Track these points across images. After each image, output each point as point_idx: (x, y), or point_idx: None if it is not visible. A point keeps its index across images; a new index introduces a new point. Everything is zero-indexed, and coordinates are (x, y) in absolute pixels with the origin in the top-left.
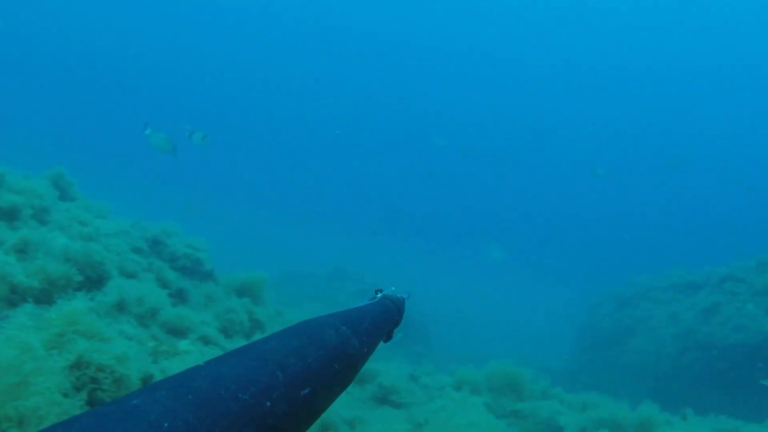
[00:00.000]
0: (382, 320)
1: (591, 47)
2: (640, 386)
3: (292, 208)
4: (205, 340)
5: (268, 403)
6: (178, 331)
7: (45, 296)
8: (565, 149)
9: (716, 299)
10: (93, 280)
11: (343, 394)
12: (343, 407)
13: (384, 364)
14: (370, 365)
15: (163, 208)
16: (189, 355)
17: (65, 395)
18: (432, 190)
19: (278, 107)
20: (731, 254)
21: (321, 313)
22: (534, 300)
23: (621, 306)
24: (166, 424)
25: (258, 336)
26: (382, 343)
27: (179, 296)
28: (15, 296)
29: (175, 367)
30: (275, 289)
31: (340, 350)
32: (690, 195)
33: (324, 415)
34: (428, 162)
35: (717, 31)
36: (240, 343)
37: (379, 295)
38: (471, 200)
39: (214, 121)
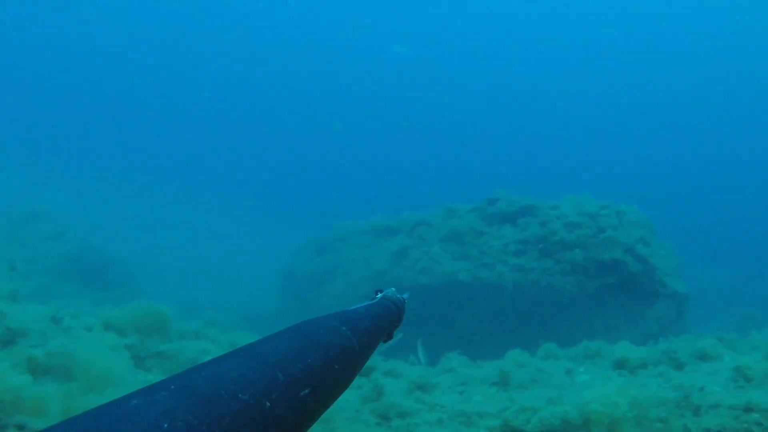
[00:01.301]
0: (382, 321)
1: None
2: None
3: None
4: None
5: (268, 404)
6: None
7: None
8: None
9: (407, 243)
10: None
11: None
12: None
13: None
14: None
15: None
16: None
17: None
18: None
19: None
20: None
21: None
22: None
23: (322, 251)
24: (165, 425)
25: None
26: (382, 343)
27: None
28: None
29: None
30: None
31: (340, 350)
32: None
33: None
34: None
35: None
36: None
37: (379, 295)
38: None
39: None
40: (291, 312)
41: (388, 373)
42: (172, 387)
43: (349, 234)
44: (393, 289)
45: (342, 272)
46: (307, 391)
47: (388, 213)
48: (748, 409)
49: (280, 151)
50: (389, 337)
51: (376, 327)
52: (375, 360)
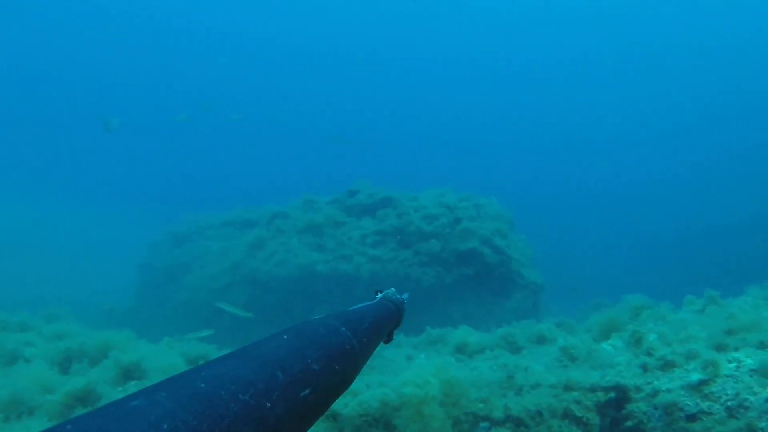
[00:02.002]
0: (382, 321)
1: None
2: (192, 321)
3: None
4: None
5: (268, 404)
6: None
7: None
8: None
9: (264, 235)
10: None
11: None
12: None
13: None
14: None
15: None
16: None
17: None
18: None
19: None
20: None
21: None
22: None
23: (179, 243)
24: (165, 425)
25: None
26: (382, 343)
27: None
28: None
29: None
30: None
31: (340, 351)
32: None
33: None
34: None
35: None
36: None
37: (379, 295)
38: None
39: None
40: (147, 306)
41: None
42: (172, 388)
43: (206, 226)
44: (393, 289)
45: (198, 265)
46: (307, 391)
47: (248, 205)
48: (568, 387)
49: (144, 143)
50: (389, 337)
51: (376, 327)
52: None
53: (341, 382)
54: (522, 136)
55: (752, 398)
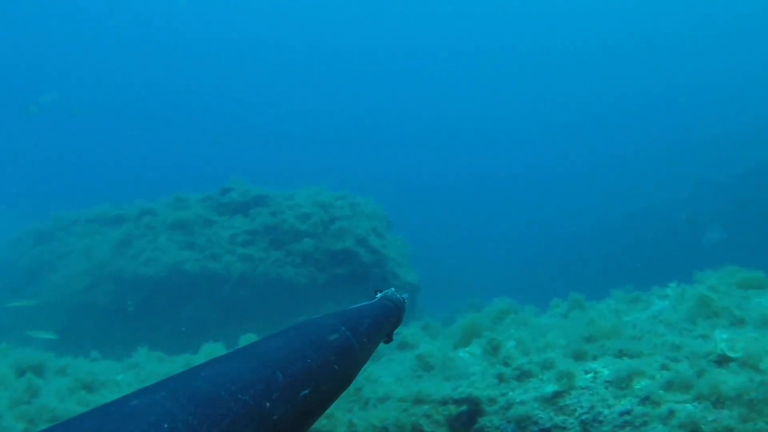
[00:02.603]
0: (382, 321)
1: None
2: (54, 322)
3: None
4: None
5: (268, 404)
6: None
7: None
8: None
9: (132, 232)
10: None
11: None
12: None
13: None
14: None
15: None
16: None
17: None
18: None
19: None
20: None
21: None
22: None
23: (42, 241)
24: (166, 425)
25: None
26: (382, 343)
27: None
28: None
29: None
30: None
31: (339, 351)
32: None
33: None
34: None
35: None
36: None
37: (379, 295)
38: None
39: None
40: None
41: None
42: (172, 387)
43: (71, 222)
44: (392, 289)
45: (62, 264)
46: (306, 391)
47: (117, 201)
48: (418, 400)
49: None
50: (389, 337)
51: (376, 327)
52: None
53: (341, 382)
54: (412, 132)
55: (606, 411)
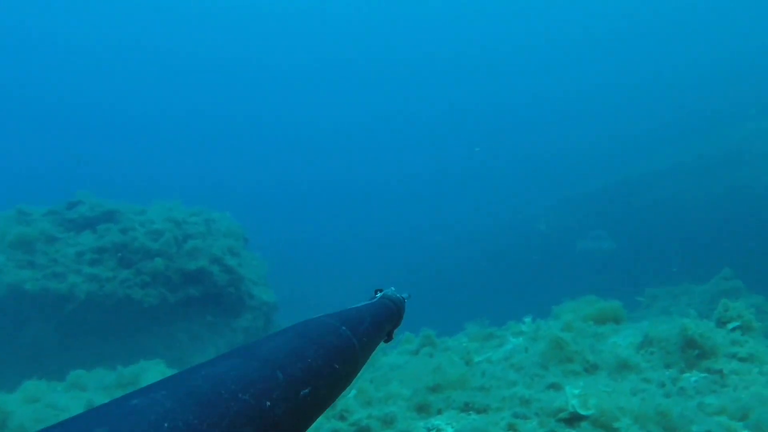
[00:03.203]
0: (382, 320)
1: None
2: None
3: None
4: None
5: (268, 403)
6: None
7: None
8: None
9: None
10: None
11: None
12: None
13: None
14: None
15: None
16: None
17: None
18: None
19: None
20: None
21: None
22: None
23: None
24: (166, 425)
25: None
26: (383, 343)
27: None
28: None
29: None
30: None
31: (339, 350)
32: None
33: None
34: None
35: None
36: None
37: (379, 294)
38: None
39: None
40: None
41: None
42: (172, 387)
43: None
44: (393, 288)
45: None
46: (307, 390)
47: None
48: None
49: None
50: (389, 336)
51: (376, 326)
52: None
53: (341, 382)
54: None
55: None
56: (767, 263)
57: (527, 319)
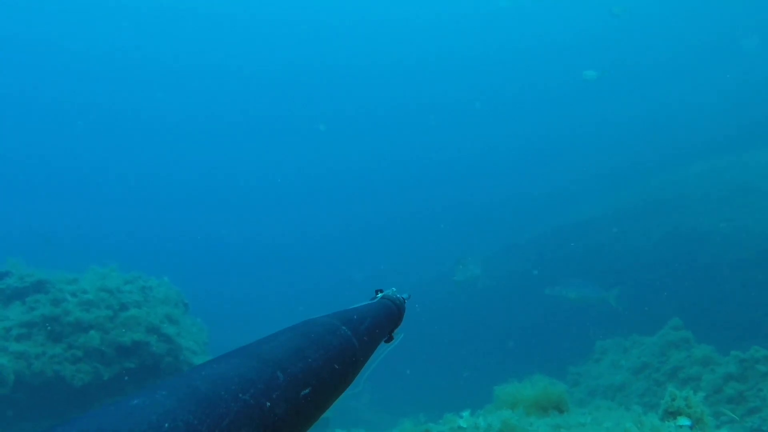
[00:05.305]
0: (383, 321)
1: None
2: None
3: None
4: None
5: (269, 404)
6: None
7: None
8: None
9: None
10: None
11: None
12: None
13: None
14: None
15: None
16: None
17: None
18: None
19: None
20: None
21: None
22: None
23: None
24: (166, 425)
25: None
26: (384, 344)
27: None
28: None
29: None
30: None
31: (340, 350)
32: None
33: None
34: None
35: None
36: None
37: (379, 295)
38: None
39: None
40: None
41: None
42: (173, 387)
43: None
44: (393, 288)
45: None
46: (307, 390)
47: None
48: None
49: None
50: (390, 337)
51: (377, 327)
52: None
53: (341, 382)
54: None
55: None
56: (714, 308)
57: (465, 413)
